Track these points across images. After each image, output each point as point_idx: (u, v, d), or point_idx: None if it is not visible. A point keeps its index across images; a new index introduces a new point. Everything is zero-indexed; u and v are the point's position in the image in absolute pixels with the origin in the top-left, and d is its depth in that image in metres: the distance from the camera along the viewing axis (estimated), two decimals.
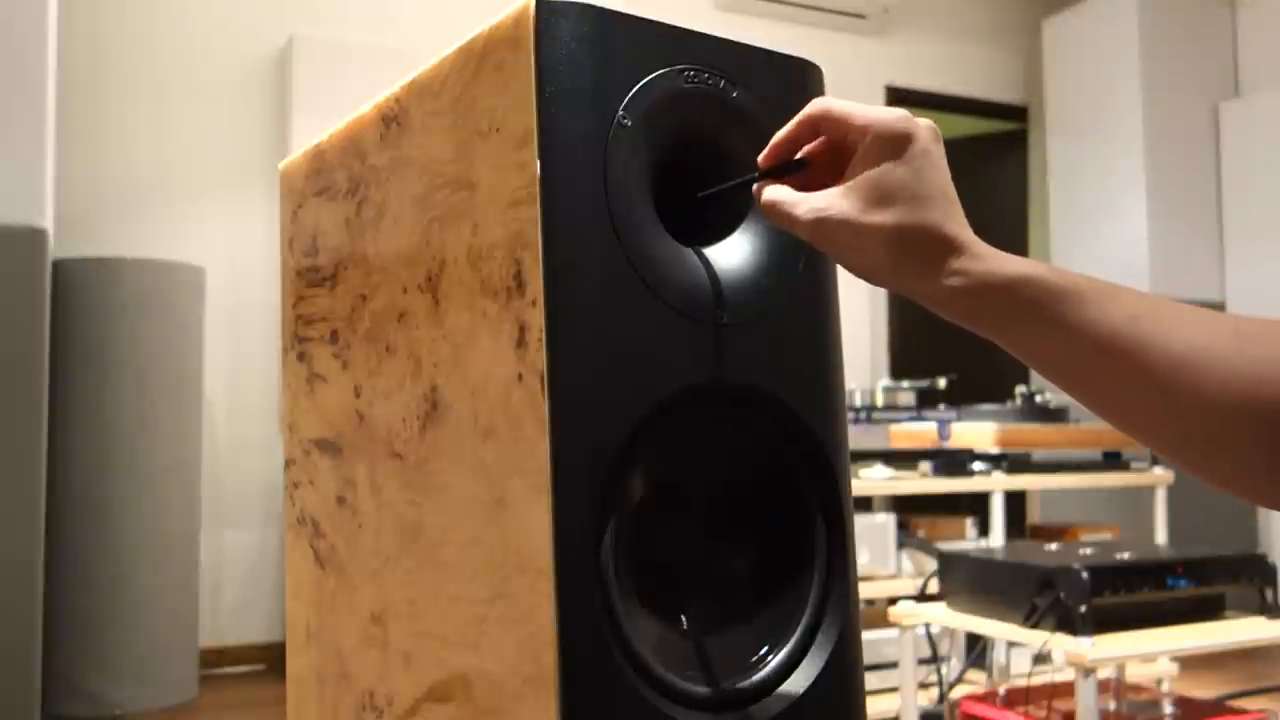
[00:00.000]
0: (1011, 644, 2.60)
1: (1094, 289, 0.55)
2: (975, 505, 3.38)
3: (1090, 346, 0.55)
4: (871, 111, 0.60)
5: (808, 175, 0.64)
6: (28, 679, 2.55)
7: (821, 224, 0.60)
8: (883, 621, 2.54)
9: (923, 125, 0.60)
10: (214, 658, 3.73)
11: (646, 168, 0.65)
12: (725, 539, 0.70)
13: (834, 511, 0.71)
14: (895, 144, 0.59)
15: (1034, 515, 3.87)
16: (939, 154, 0.60)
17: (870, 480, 2.89)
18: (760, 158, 0.66)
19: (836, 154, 0.63)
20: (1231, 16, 5.14)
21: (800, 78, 0.74)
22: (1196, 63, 5.04)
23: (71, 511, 3.09)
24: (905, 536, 3.20)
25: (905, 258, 0.58)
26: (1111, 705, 2.28)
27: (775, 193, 0.63)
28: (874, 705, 2.63)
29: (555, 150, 0.62)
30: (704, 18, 4.76)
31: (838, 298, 0.74)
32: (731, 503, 0.70)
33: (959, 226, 0.58)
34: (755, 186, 0.65)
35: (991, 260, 0.57)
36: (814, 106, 0.63)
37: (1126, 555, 1.96)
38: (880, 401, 3.70)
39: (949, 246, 0.57)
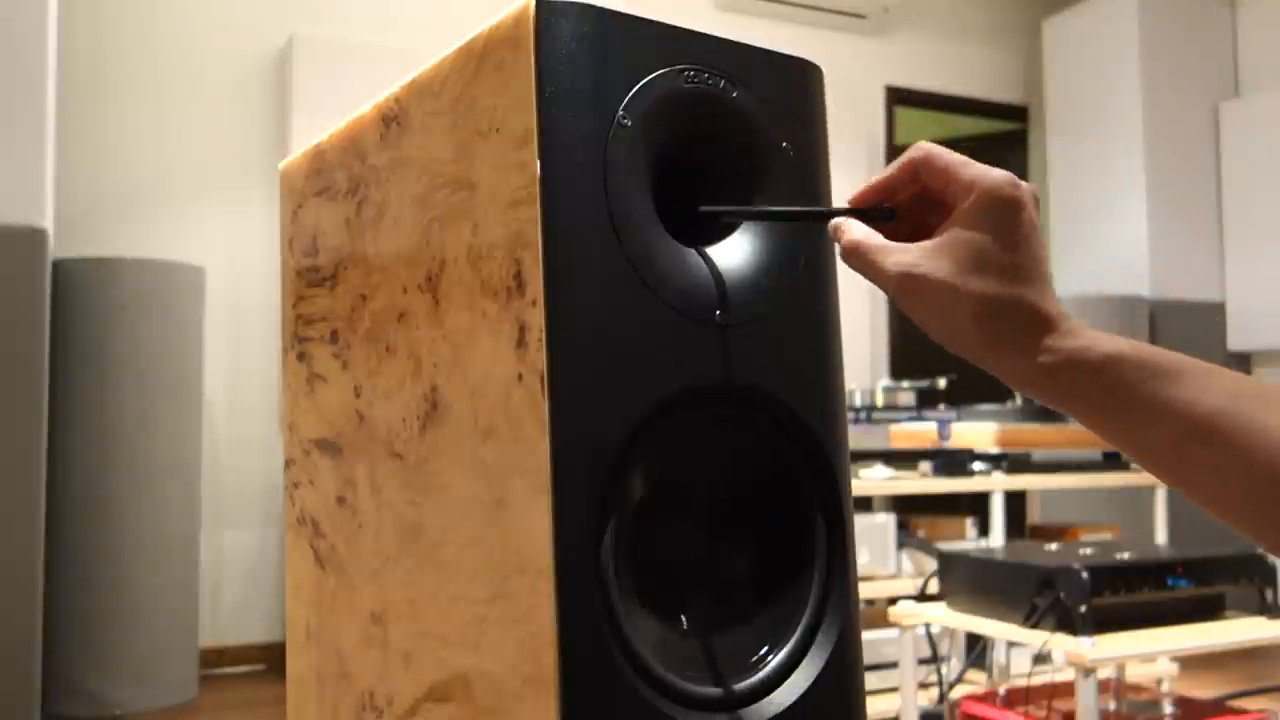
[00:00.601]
0: (1011, 644, 2.60)
1: (1190, 367, 0.53)
2: (975, 505, 3.38)
3: (1187, 426, 0.53)
4: (978, 169, 0.57)
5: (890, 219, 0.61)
6: (28, 679, 2.55)
7: (909, 281, 0.57)
8: (883, 621, 2.54)
9: (1027, 191, 0.57)
10: (214, 658, 3.73)
11: (646, 168, 0.65)
12: (725, 539, 0.70)
13: (834, 511, 0.71)
14: (1003, 210, 0.56)
15: (1034, 515, 3.87)
16: (1038, 223, 0.57)
17: (870, 480, 2.89)
18: (853, 196, 0.62)
19: (926, 204, 0.60)
20: (1231, 16, 5.14)
21: (800, 78, 0.74)
22: (1196, 63, 5.04)
23: (71, 511, 3.10)
24: (905, 536, 3.20)
25: (996, 331, 0.55)
26: (1111, 705, 2.28)
27: (861, 235, 0.60)
28: (874, 705, 2.63)
29: (555, 150, 0.62)
30: (704, 18, 4.76)
31: (838, 298, 0.74)
32: (731, 503, 0.70)
33: (1052, 302, 0.56)
34: (834, 223, 0.62)
35: (1084, 337, 0.55)
36: (917, 151, 0.60)
37: (1126, 555, 1.96)
38: (880, 401, 3.71)
39: (1043, 323, 0.55)
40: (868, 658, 1.79)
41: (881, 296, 5.13)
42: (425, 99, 0.74)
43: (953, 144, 6.10)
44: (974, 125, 5.68)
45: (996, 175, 0.57)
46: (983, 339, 0.56)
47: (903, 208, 0.61)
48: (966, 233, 0.56)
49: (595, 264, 0.62)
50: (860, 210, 0.62)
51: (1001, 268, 0.55)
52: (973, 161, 0.58)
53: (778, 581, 0.70)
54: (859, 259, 0.59)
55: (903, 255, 0.57)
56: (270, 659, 3.82)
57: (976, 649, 2.65)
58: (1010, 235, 0.56)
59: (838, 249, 0.62)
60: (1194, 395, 0.53)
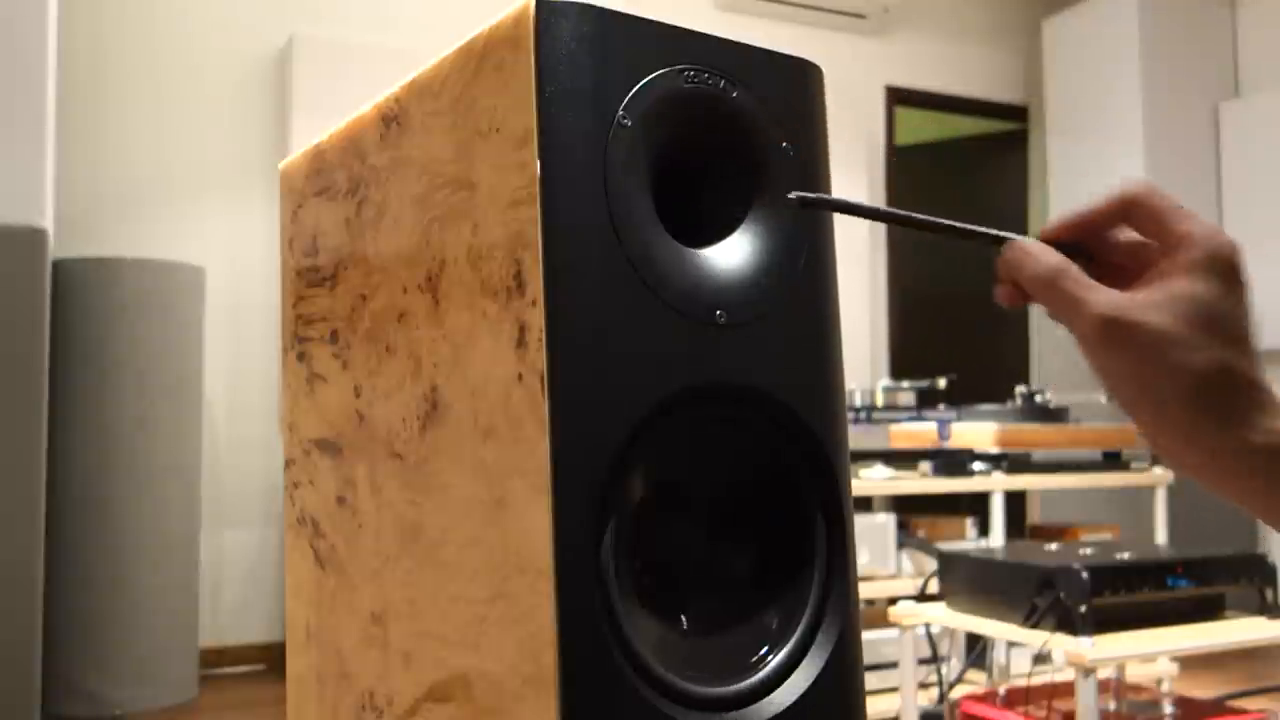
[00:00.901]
0: (1011, 644, 2.60)
1: None
2: (975, 505, 3.38)
3: None
4: (1196, 221, 0.52)
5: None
6: (28, 679, 2.55)
7: (1120, 328, 0.50)
8: (883, 621, 2.54)
9: (1241, 253, 0.52)
10: (214, 658, 3.73)
11: (646, 168, 0.65)
12: (725, 539, 0.70)
13: (834, 511, 0.71)
14: (1230, 270, 0.50)
15: (1034, 515, 3.87)
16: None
17: (870, 480, 2.89)
18: (1051, 227, 0.56)
19: (1115, 246, 0.55)
20: (1231, 16, 5.14)
21: (800, 78, 0.74)
22: (1196, 63, 5.04)
23: (71, 511, 3.10)
24: (905, 536, 3.20)
25: (1209, 400, 0.50)
26: (1111, 705, 2.28)
27: (1064, 264, 0.53)
28: (874, 705, 2.63)
29: (555, 150, 0.62)
30: (704, 18, 4.76)
31: (838, 298, 0.74)
32: (731, 503, 0.70)
33: (1264, 378, 0.51)
34: (1020, 245, 0.54)
35: None
36: (1134, 187, 0.54)
37: (1126, 555, 1.96)
38: (880, 401, 3.71)
39: (1263, 399, 0.49)
40: (868, 658, 1.79)
41: (881, 296, 5.12)
42: (425, 99, 0.74)
43: (953, 144, 6.09)
44: (974, 125, 5.67)
45: (1217, 231, 0.51)
46: (1187, 406, 0.50)
47: (1095, 248, 0.55)
48: (1192, 287, 0.50)
49: (595, 264, 0.62)
50: (1054, 244, 0.55)
51: (1226, 332, 0.50)
52: (1189, 211, 0.52)
53: (778, 581, 0.70)
54: (1057, 290, 0.52)
55: (1116, 297, 0.51)
56: (270, 659, 3.82)
57: (976, 649, 2.65)
58: (1235, 299, 0.50)
59: (1024, 275, 0.54)
60: None
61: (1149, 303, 0.50)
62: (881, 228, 5.04)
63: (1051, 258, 0.53)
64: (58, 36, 3.01)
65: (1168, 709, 2.23)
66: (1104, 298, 0.51)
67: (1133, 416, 0.52)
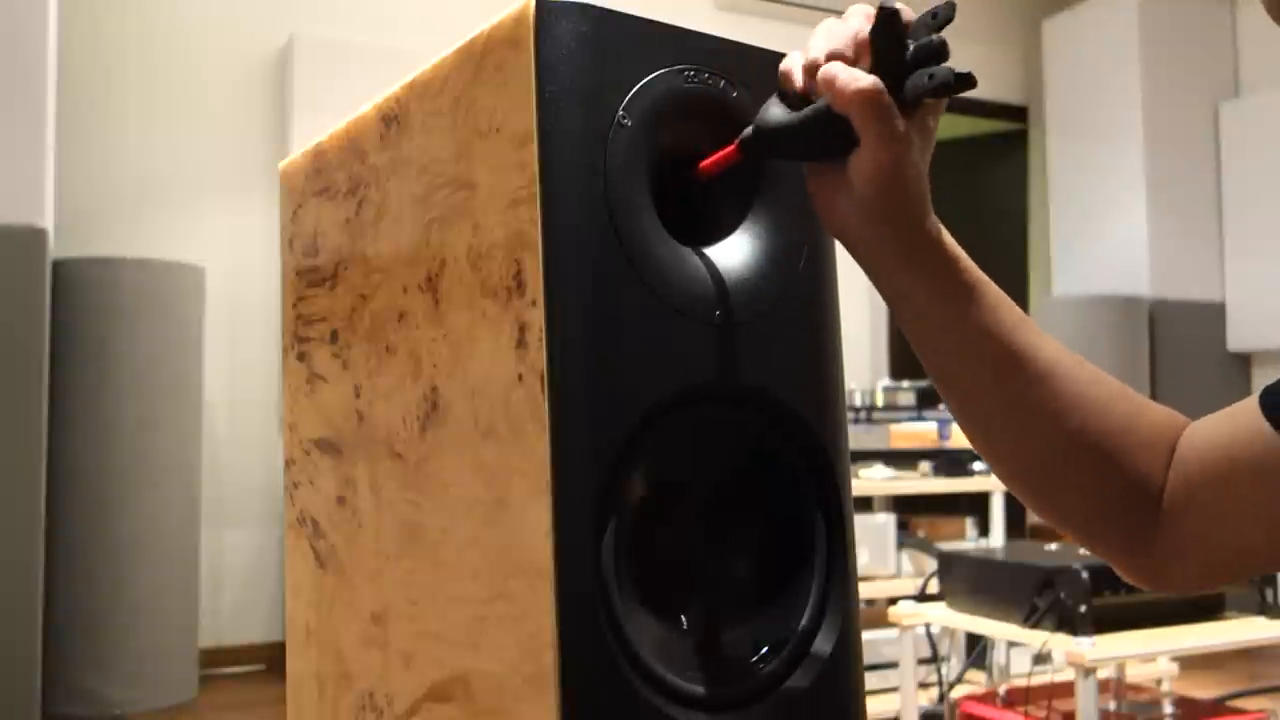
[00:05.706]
0: (1011, 644, 2.60)
1: None
2: (975, 505, 3.38)
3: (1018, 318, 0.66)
4: None
5: None
6: (28, 679, 2.55)
7: (907, 149, 0.63)
8: (883, 621, 2.54)
9: None
10: (214, 658, 3.73)
11: (646, 168, 0.65)
12: (725, 539, 0.70)
13: (834, 511, 0.71)
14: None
15: (1034, 515, 3.87)
16: None
17: (870, 480, 2.89)
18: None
19: None
20: (1231, 16, 5.14)
21: None
22: (1196, 63, 5.04)
23: (71, 511, 3.09)
24: (905, 536, 3.20)
25: (927, 204, 0.65)
26: (1111, 705, 2.28)
27: (880, 83, 0.64)
28: (874, 705, 2.63)
29: (555, 150, 0.62)
30: (704, 18, 4.76)
31: (838, 297, 0.74)
32: (731, 502, 0.70)
33: None
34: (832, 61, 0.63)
35: None
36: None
37: None
38: (880, 401, 3.70)
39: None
40: (868, 658, 1.79)
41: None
42: (425, 99, 0.74)
43: (953, 144, 6.09)
44: (974, 125, 5.67)
45: None
46: (922, 202, 0.64)
47: None
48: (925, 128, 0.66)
49: (595, 264, 0.62)
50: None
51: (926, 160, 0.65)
52: None
53: (777, 581, 0.70)
54: (879, 105, 0.60)
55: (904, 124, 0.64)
56: (270, 659, 3.82)
57: (976, 649, 2.65)
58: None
59: (844, 83, 0.61)
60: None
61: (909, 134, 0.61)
62: None
63: (870, 77, 0.59)
64: (58, 36, 3.01)
65: (1168, 709, 2.23)
66: (903, 123, 0.60)
67: (883, 215, 0.62)
